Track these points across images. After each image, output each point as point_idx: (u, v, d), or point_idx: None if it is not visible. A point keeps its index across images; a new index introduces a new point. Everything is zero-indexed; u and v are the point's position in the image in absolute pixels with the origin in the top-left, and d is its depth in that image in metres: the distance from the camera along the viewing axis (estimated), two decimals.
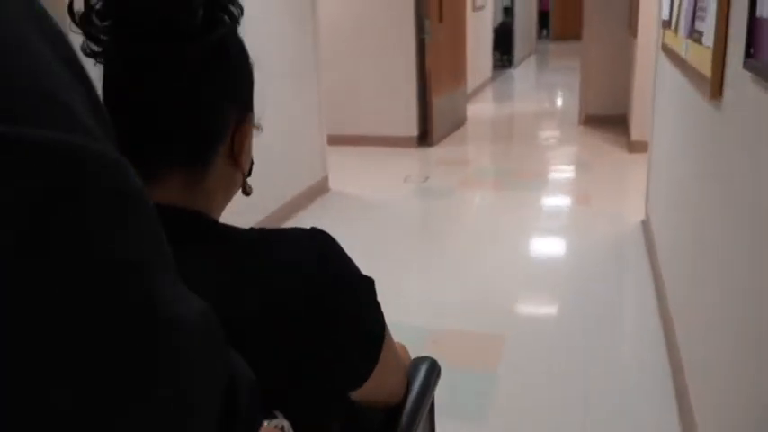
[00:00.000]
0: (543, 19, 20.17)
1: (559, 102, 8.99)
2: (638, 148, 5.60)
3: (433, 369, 1.04)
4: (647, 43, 5.44)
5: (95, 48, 0.66)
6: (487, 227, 4.13)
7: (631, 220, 4.05)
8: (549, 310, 3.06)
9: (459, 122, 7.01)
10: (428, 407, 1.02)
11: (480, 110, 8.16)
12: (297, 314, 0.68)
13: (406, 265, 3.54)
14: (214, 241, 0.71)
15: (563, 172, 5.35)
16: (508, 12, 12.60)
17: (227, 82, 0.72)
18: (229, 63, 0.72)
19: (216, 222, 0.74)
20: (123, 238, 0.34)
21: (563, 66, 12.92)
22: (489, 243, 3.82)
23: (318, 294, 0.70)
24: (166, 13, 0.64)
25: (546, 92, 9.84)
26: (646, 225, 3.90)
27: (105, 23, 0.65)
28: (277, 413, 0.66)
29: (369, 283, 0.77)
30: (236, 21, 0.70)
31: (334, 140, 6.19)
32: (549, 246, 3.80)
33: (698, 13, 2.09)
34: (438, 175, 5.44)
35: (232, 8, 0.70)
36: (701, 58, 2.02)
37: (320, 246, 0.73)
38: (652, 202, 3.80)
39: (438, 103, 6.23)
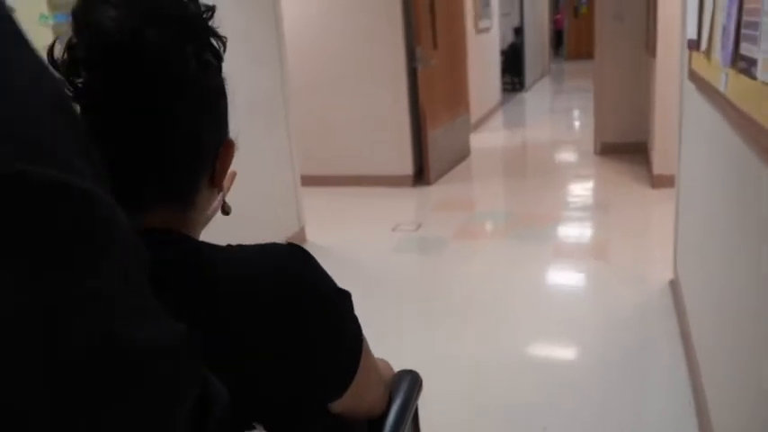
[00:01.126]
0: (558, 38, 19.57)
1: (574, 127, 8.31)
2: (662, 182, 4.90)
3: (416, 382, 1.06)
4: (669, 66, 4.77)
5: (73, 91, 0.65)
6: (484, 292, 3.46)
7: (657, 280, 3.36)
8: (564, 391, 2.37)
9: (461, 156, 6.36)
10: (410, 418, 1.02)
11: (487, 140, 7.51)
12: (272, 327, 0.69)
13: (384, 343, 2.86)
14: (199, 260, 0.70)
15: (577, 216, 4.65)
16: (518, 32, 11.98)
17: (212, 115, 0.72)
18: (213, 98, 0.72)
19: (197, 241, 0.74)
20: (83, 268, 0.36)
21: (578, 86, 12.24)
22: (485, 313, 3.15)
23: (294, 308, 0.70)
24: (158, 66, 0.64)
25: (559, 117, 9.15)
26: (675, 287, 3.20)
27: (90, 74, 0.64)
28: (257, 425, 0.68)
29: (345, 296, 0.78)
30: (221, 59, 0.71)
31: (317, 181, 5.59)
32: (559, 317, 3.11)
33: (745, 31, 1.43)
34: (432, 221, 4.79)
35: (218, 46, 0.70)
36: (754, 97, 1.36)
37: (296, 260, 0.74)
38: (682, 260, 3.11)
39: (435, 136, 5.60)
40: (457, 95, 6.22)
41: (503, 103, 10.07)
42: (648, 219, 4.41)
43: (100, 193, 0.38)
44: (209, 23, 0.69)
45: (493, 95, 9.33)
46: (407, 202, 5.33)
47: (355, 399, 0.80)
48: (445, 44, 5.82)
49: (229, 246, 0.73)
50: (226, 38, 0.71)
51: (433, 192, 5.46)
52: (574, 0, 18.66)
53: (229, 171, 0.78)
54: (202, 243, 0.73)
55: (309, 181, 5.64)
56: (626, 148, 6.10)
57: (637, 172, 5.45)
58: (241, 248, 0.73)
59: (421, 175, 5.62)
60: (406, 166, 5.58)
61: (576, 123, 8.57)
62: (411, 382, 1.05)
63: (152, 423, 0.40)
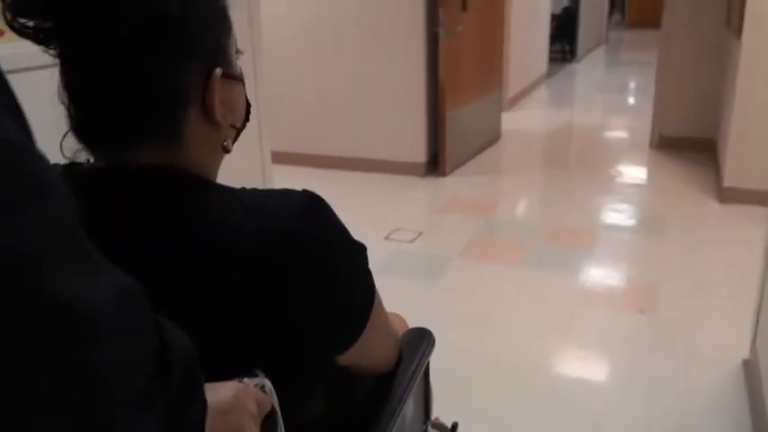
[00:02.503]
0: (617, 2, 18.01)
1: (629, 111, 7.18)
2: (734, 197, 3.90)
3: (428, 338, 1.04)
4: (758, 50, 3.70)
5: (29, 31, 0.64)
6: (487, 343, 2.58)
7: (725, 357, 2.43)
8: None
9: (488, 141, 5.39)
10: (420, 375, 1.00)
11: (524, 120, 6.48)
12: (283, 271, 0.66)
13: None
14: (200, 196, 0.69)
15: (621, 238, 3.69)
16: None
17: (176, 44, 0.68)
18: (177, 24, 0.67)
19: (202, 178, 0.72)
20: (11, 223, 0.35)
21: (638, 60, 10.95)
22: (483, 376, 2.28)
23: (307, 254, 0.68)
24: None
25: (612, 96, 7.99)
26: (750, 370, 2.28)
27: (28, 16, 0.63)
28: (258, 372, 0.66)
29: (360, 249, 0.75)
30: None
31: (304, 161, 4.75)
32: (582, 410, 2.21)
33: None
34: (438, 228, 3.89)
35: None
36: None
37: (313, 207, 0.71)
38: (766, 336, 2.18)
39: (455, 117, 4.64)
40: (488, 70, 5.22)
41: (549, 75, 8.94)
42: (715, 252, 3.42)
43: (24, 143, 0.37)
44: None
45: (538, 66, 8.22)
46: (413, 197, 4.42)
47: (363, 353, 0.78)
48: (478, 6, 4.80)
49: (242, 189, 0.71)
50: None
51: (448, 185, 4.54)
52: None
53: (239, 104, 0.77)
54: (208, 183, 0.72)
55: (294, 159, 4.78)
56: (689, 145, 5.03)
57: (701, 178, 4.41)
58: (253, 194, 0.71)
59: (435, 164, 4.70)
60: (419, 152, 4.66)
61: (632, 106, 7.43)
62: (423, 340, 1.03)
63: (97, 387, 0.38)
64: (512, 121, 6.22)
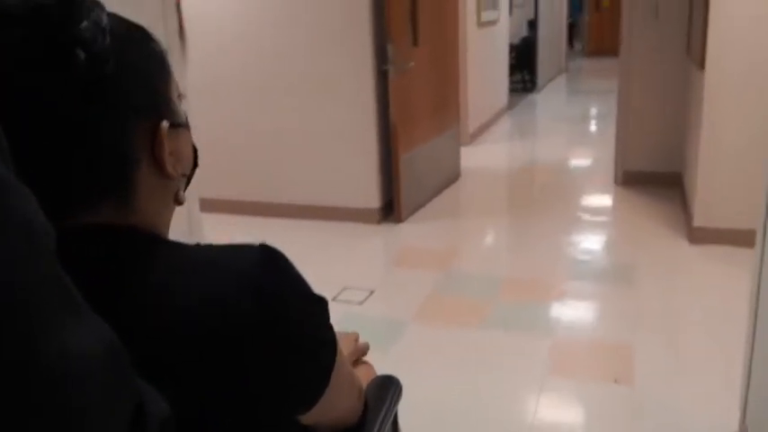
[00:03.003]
0: (576, 30, 18.18)
1: (591, 142, 6.99)
2: (705, 238, 3.67)
3: (395, 386, 1.02)
4: (724, 80, 3.50)
5: None
6: (444, 425, 2.25)
7: (710, 426, 2.13)
8: None
9: (448, 180, 5.11)
10: (389, 425, 1.00)
11: (484, 156, 6.24)
12: (240, 337, 0.63)
13: None
14: (151, 255, 0.67)
15: (589, 290, 3.40)
16: (533, 25, 10.64)
17: (115, 105, 0.65)
18: (113, 85, 0.65)
19: (154, 236, 0.70)
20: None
21: (599, 88, 10.90)
22: None
23: (264, 318, 0.65)
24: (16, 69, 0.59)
25: (574, 127, 7.81)
26: None
27: None
28: None
29: (320, 305, 0.72)
30: (99, 41, 0.63)
31: (246, 209, 4.43)
32: None
33: None
34: (392, 284, 3.57)
35: (87, 32, 0.61)
36: None
37: (269, 265, 0.67)
38: (759, 405, 1.89)
39: (410, 159, 4.36)
40: (444, 105, 4.97)
41: (510, 106, 8.77)
42: (691, 303, 3.14)
43: (13, 182, 0.38)
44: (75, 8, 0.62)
45: (497, 99, 8.04)
46: (366, 248, 4.10)
47: (326, 410, 0.75)
48: (431, 41, 4.56)
49: (195, 246, 0.69)
50: (103, 13, 0.64)
51: (404, 233, 4.23)
52: None
53: (187, 151, 0.75)
54: (157, 241, 0.70)
55: (236, 207, 4.44)
56: (655, 180, 4.82)
57: (669, 216, 4.18)
58: (204, 251, 0.69)
59: (391, 209, 4.39)
60: (372, 198, 4.35)
61: (595, 136, 7.25)
62: (390, 388, 1.01)
63: None
64: (472, 156, 5.97)
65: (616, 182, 5.00)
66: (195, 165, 0.79)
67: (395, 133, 4.19)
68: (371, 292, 3.33)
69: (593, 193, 5.03)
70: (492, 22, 7.31)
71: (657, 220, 4.15)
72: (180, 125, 0.73)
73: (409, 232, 4.23)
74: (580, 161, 6.06)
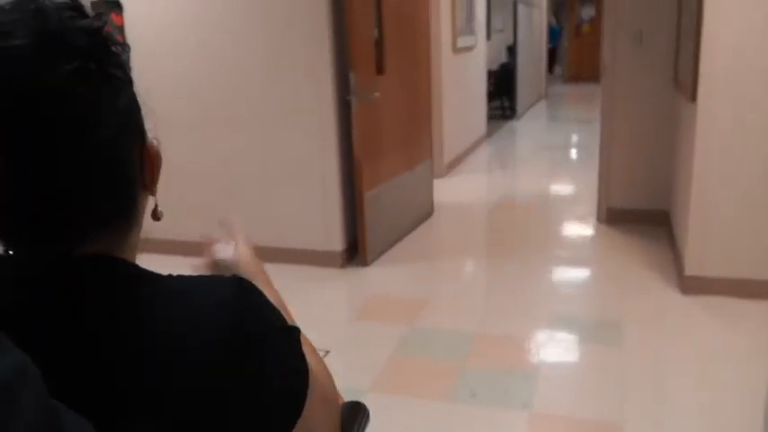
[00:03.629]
0: (555, 56, 18.10)
1: (572, 174, 6.67)
2: (698, 287, 3.33)
3: (362, 413, 1.03)
4: (718, 113, 3.19)
5: None
6: None
7: None
8: None
9: (420, 217, 4.75)
10: None
11: (462, 188, 5.90)
12: (217, 368, 0.63)
13: None
14: (136, 287, 0.66)
15: (570, 352, 3.03)
16: (511, 51, 10.40)
17: (128, 131, 0.67)
18: (126, 114, 0.67)
19: (136, 267, 0.68)
20: None
21: (579, 116, 10.72)
22: None
23: (238, 349, 0.65)
24: (55, 103, 0.59)
25: (555, 155, 7.51)
26: None
27: None
28: None
29: (293, 335, 0.73)
30: (124, 68, 0.66)
31: (192, 250, 3.97)
32: None
33: None
34: (353, 342, 3.17)
35: (119, 54, 0.66)
36: None
37: (242, 296, 0.68)
38: None
39: (376, 196, 3.99)
40: (415, 136, 4.62)
41: (489, 134, 8.47)
42: (687, 369, 2.77)
43: None
44: (104, 35, 0.64)
45: (475, 127, 7.73)
46: (328, 296, 3.70)
47: None
48: (399, 68, 4.23)
49: (171, 277, 0.69)
50: (128, 46, 0.68)
51: (369, 278, 3.84)
52: (575, 15, 17.18)
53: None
54: (141, 271, 0.68)
55: (179, 248, 4.00)
56: (640, 218, 4.49)
57: (658, 261, 3.83)
58: (180, 282, 0.68)
59: (356, 251, 4.00)
60: (334, 239, 3.96)
61: (576, 167, 6.93)
62: (358, 413, 1.01)
63: None
64: (448, 189, 5.63)
65: (599, 219, 4.66)
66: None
67: (359, 168, 3.82)
68: (327, 353, 2.93)
69: (575, 232, 4.69)
70: (468, 48, 7.02)
71: (645, 264, 3.80)
72: (153, 140, 0.73)
73: (375, 277, 3.85)
74: (561, 195, 5.72)
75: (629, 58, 4.40)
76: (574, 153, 7.66)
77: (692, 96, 3.26)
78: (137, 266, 0.68)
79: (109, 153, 0.63)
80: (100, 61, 0.62)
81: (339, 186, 3.89)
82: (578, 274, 3.94)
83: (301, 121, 3.84)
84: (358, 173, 3.84)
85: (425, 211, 4.87)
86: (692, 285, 3.33)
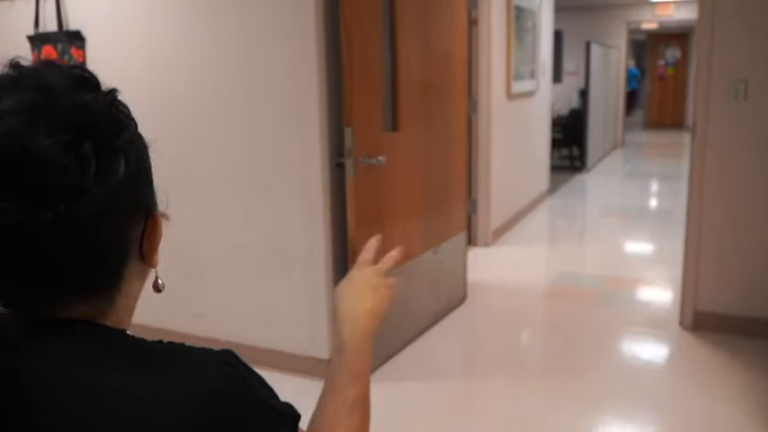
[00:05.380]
0: (635, 99, 16.81)
1: (649, 253, 5.48)
2: None
3: None
4: None
5: None
6: None
7: None
8: None
9: (446, 306, 3.75)
10: None
11: (507, 262, 4.87)
12: None
13: None
14: (118, 355, 0.64)
15: None
16: (584, 95, 9.32)
17: (125, 209, 0.66)
18: (126, 191, 0.64)
19: (121, 332, 0.67)
20: None
21: (661, 170, 9.49)
22: None
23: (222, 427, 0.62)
24: (56, 179, 0.58)
25: (628, 225, 6.29)
26: None
27: None
28: None
29: (283, 419, 0.69)
30: (130, 147, 0.65)
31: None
32: None
33: None
34: None
35: (119, 143, 0.63)
36: None
37: (227, 373, 0.65)
38: None
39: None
40: (442, 207, 3.65)
41: (552, 189, 7.39)
42: None
43: None
44: (113, 109, 0.66)
45: (533, 185, 6.67)
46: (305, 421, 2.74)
47: None
48: (422, 122, 3.31)
49: (160, 345, 0.66)
50: (134, 123, 0.68)
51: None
52: (658, 57, 15.87)
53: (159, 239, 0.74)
54: (126, 336, 0.66)
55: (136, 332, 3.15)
56: (739, 327, 3.36)
57: (765, 390, 2.70)
58: (169, 351, 0.65)
59: None
60: (320, 343, 3.02)
61: (654, 244, 5.74)
62: None
63: None
64: (492, 263, 4.63)
65: (683, 324, 3.54)
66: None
67: (353, 253, 2.90)
68: None
69: (647, 343, 3.55)
70: (527, 94, 6.03)
71: (748, 398, 2.67)
72: (165, 215, 0.73)
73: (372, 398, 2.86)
74: (632, 283, 4.54)
75: (726, 116, 3.33)
76: (652, 221, 6.44)
77: None
78: (113, 331, 0.66)
79: (97, 224, 0.62)
80: (96, 135, 0.61)
81: (328, 274, 2.96)
82: (653, 411, 2.83)
83: (281, 189, 2.96)
84: (353, 258, 2.90)
85: (455, 299, 3.87)
86: None
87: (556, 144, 9.50)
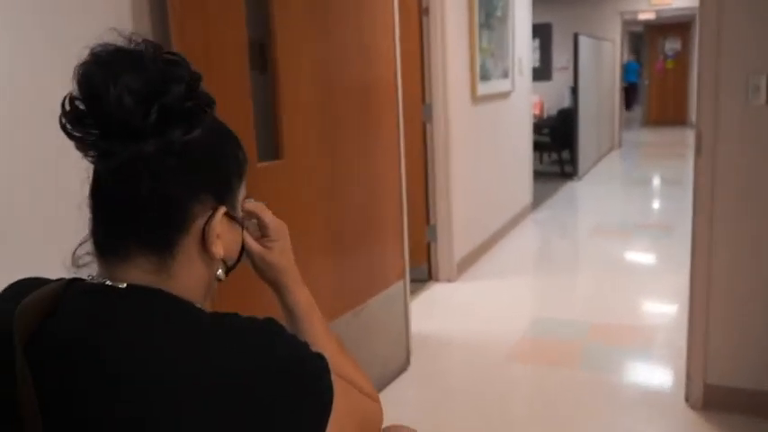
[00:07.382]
0: (632, 95, 15.89)
1: (649, 290, 4.51)
2: None
3: None
4: None
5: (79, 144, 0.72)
6: None
7: None
8: None
9: (380, 380, 2.87)
10: None
11: (473, 302, 3.98)
12: (237, 399, 0.67)
13: None
14: (168, 319, 0.71)
15: None
16: (574, 93, 8.42)
17: (186, 177, 0.73)
18: (190, 160, 0.73)
19: (174, 299, 0.73)
20: None
21: (662, 173, 8.61)
22: None
23: (264, 382, 0.69)
24: (121, 117, 0.69)
25: (624, 251, 5.29)
26: None
27: (79, 127, 0.71)
28: None
29: (316, 363, 0.76)
30: (197, 123, 0.73)
31: None
32: None
33: None
34: None
35: (192, 111, 0.73)
36: None
37: (268, 334, 0.73)
38: None
39: None
40: (366, 253, 2.76)
41: (536, 203, 6.49)
42: None
43: None
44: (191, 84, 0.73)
45: (511, 201, 5.75)
46: None
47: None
48: (323, 146, 2.43)
49: (207, 313, 0.74)
50: (213, 101, 0.76)
51: None
52: (657, 50, 14.94)
53: (234, 245, 0.82)
54: (193, 308, 0.74)
55: None
56: (756, 404, 2.47)
57: None
58: (213, 318, 0.73)
59: None
60: None
61: (655, 278, 4.78)
62: None
63: None
64: (450, 306, 3.77)
65: (689, 401, 2.65)
66: (239, 259, 0.85)
67: None
68: None
69: (644, 423, 2.65)
70: (500, 96, 5.14)
71: None
72: (235, 219, 0.80)
73: None
74: (625, 333, 3.59)
75: (741, 123, 2.44)
76: (652, 240, 5.48)
77: None
78: (175, 298, 0.73)
79: (156, 175, 0.71)
80: (164, 100, 0.70)
81: None
82: None
83: None
84: None
85: (391, 368, 2.99)
86: None
87: (544, 148, 8.61)
